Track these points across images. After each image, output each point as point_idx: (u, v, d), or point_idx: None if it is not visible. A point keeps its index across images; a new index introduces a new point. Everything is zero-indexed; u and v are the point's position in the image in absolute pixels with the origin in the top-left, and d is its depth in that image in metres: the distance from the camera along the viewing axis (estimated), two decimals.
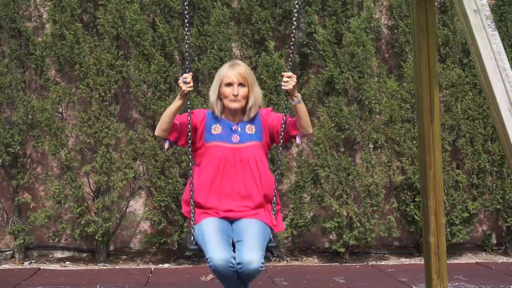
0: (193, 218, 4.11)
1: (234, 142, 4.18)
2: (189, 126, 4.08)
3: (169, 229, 7.27)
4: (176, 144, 4.24)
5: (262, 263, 3.90)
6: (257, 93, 4.24)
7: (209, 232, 3.99)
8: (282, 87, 4.08)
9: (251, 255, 3.88)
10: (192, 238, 4.12)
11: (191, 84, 4.02)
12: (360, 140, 7.38)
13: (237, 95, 4.15)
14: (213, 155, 4.15)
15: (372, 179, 7.31)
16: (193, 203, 4.11)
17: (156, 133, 4.19)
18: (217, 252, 3.87)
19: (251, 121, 4.22)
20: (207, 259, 3.91)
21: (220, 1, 7.34)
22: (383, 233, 7.42)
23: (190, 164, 4.16)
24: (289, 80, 4.06)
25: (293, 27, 4.21)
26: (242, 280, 3.98)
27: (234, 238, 4.03)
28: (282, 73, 4.12)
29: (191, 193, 4.11)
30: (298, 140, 4.26)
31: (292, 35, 4.22)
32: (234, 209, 4.10)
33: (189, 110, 4.08)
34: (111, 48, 7.21)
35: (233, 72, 4.17)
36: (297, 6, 4.15)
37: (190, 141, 4.11)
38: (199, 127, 4.18)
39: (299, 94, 4.14)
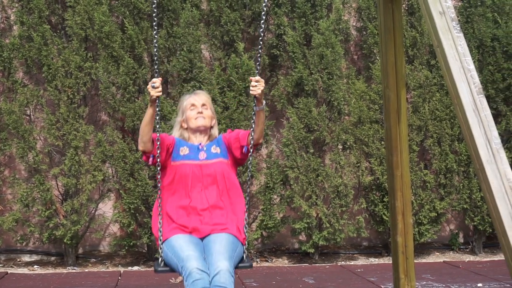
0: (161, 237, 4.04)
1: (201, 159, 4.22)
2: (158, 144, 4.06)
3: (139, 232, 7.24)
4: (154, 160, 4.16)
5: (232, 270, 3.85)
6: (216, 122, 4.41)
7: (180, 245, 3.95)
8: (251, 91, 4.10)
9: (220, 263, 3.84)
10: (160, 259, 4.03)
11: (160, 88, 4.02)
12: (329, 141, 7.42)
13: (201, 112, 4.28)
14: (180, 172, 4.18)
15: (341, 180, 7.36)
16: (161, 220, 4.06)
17: (140, 147, 4.16)
18: (192, 262, 3.82)
19: (215, 142, 4.30)
20: (182, 268, 3.84)
21: (190, 2, 7.34)
22: (352, 233, 7.47)
23: (158, 184, 4.11)
24: (257, 85, 4.09)
25: (261, 29, 4.23)
26: None
27: (205, 254, 3.96)
28: (250, 78, 4.14)
29: (159, 209, 4.07)
30: (245, 150, 4.23)
31: (260, 38, 4.24)
32: (203, 225, 4.06)
33: (158, 134, 4.05)
34: (80, 50, 7.17)
35: (195, 97, 4.35)
36: (265, 9, 4.12)
37: (159, 160, 4.08)
38: (170, 146, 4.21)
39: (264, 101, 4.17)
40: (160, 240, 4.04)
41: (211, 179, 4.17)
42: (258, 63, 4.24)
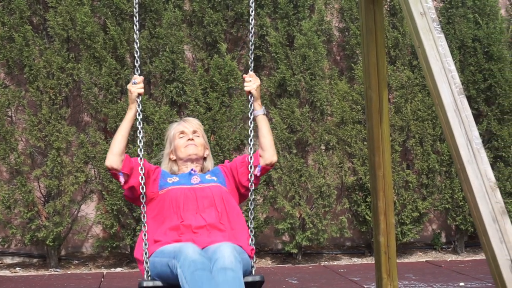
0: (146, 251, 3.45)
1: (194, 183, 3.66)
2: (142, 173, 3.55)
3: (122, 233, 7.21)
4: (127, 183, 3.61)
5: (239, 261, 3.24)
6: (210, 153, 3.91)
7: (173, 245, 3.37)
8: (245, 88, 3.74)
9: (222, 248, 3.26)
10: (147, 274, 3.41)
11: (142, 85, 3.62)
12: (312, 141, 7.44)
13: (192, 139, 3.77)
14: (170, 197, 3.59)
15: (324, 180, 7.38)
16: (146, 242, 3.48)
17: (107, 162, 3.58)
18: (189, 248, 3.23)
19: (210, 173, 3.78)
20: (174, 258, 3.23)
21: (172, 3, 7.33)
22: (335, 233, 7.49)
23: (143, 219, 3.53)
24: (252, 80, 3.73)
25: (251, 35, 3.86)
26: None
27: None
28: (244, 76, 3.80)
29: (145, 245, 3.47)
30: (257, 171, 3.72)
31: (251, 34, 3.86)
32: (199, 238, 3.46)
33: (141, 160, 3.55)
34: (62, 50, 7.13)
35: (184, 123, 3.86)
36: (252, 13, 3.82)
37: (143, 192, 3.54)
38: (152, 172, 3.69)
39: (264, 107, 3.79)
40: (146, 253, 3.44)
41: (207, 201, 3.57)
42: (250, 61, 3.80)
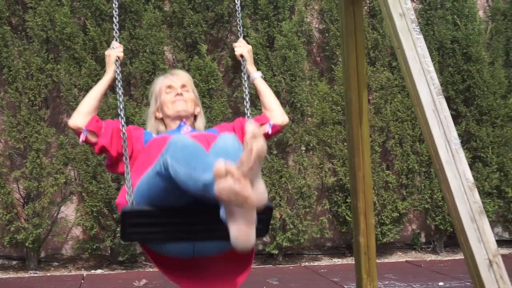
0: (130, 186, 2.92)
1: (184, 133, 3.30)
2: (124, 138, 3.08)
3: (102, 235, 7.18)
4: (96, 144, 3.26)
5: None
6: (201, 111, 3.56)
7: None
8: (236, 52, 3.52)
9: (223, 136, 2.77)
10: (131, 200, 2.89)
11: (121, 49, 3.33)
12: (292, 142, 7.45)
13: (181, 94, 3.41)
14: (157, 144, 3.15)
15: (304, 181, 7.40)
16: (129, 177, 2.97)
17: (70, 121, 3.32)
18: (178, 136, 2.75)
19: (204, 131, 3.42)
20: (162, 155, 2.67)
21: (152, 4, 7.31)
22: (316, 234, 7.51)
23: (127, 175, 3.01)
24: (242, 45, 3.52)
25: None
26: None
27: None
28: (233, 44, 3.57)
29: (127, 175, 2.96)
30: (268, 128, 3.44)
31: (239, 16, 3.60)
32: None
33: (124, 128, 3.10)
34: (41, 51, 7.09)
35: (171, 77, 3.51)
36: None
37: (126, 153, 3.03)
38: (133, 132, 3.32)
39: (260, 71, 3.59)
40: (129, 187, 2.90)
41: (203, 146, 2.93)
42: (239, 32, 3.62)
